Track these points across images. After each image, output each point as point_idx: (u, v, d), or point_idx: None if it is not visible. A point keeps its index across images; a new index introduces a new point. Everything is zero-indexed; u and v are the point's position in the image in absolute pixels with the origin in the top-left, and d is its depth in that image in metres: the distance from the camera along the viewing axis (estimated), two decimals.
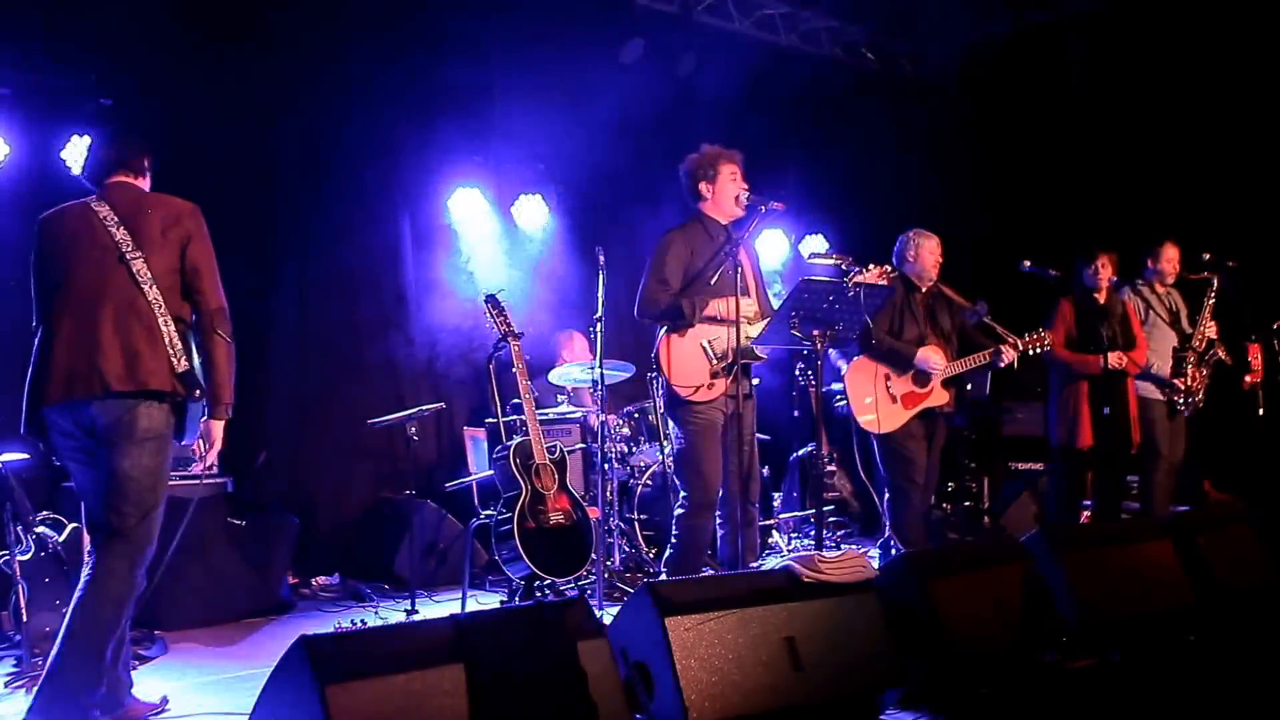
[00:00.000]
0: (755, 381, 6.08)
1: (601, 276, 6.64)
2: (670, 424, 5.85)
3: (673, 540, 5.75)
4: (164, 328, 4.30)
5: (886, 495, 6.72)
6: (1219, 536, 5.68)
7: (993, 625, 4.55)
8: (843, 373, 6.68)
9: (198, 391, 4.35)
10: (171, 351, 4.30)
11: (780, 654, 4.02)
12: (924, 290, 6.78)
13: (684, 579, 4.54)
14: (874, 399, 6.52)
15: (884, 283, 5.53)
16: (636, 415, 7.76)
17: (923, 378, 6.59)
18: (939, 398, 6.62)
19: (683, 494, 5.75)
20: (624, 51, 9.00)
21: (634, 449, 7.75)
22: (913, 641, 4.39)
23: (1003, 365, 6.65)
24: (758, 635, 4.00)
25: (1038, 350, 6.60)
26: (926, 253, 6.79)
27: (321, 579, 7.42)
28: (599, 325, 6.57)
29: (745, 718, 3.86)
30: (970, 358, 6.66)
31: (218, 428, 4.47)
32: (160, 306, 4.32)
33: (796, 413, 8.65)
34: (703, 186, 5.88)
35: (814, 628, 4.13)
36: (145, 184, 4.70)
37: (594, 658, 3.61)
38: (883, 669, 4.26)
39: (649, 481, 7.55)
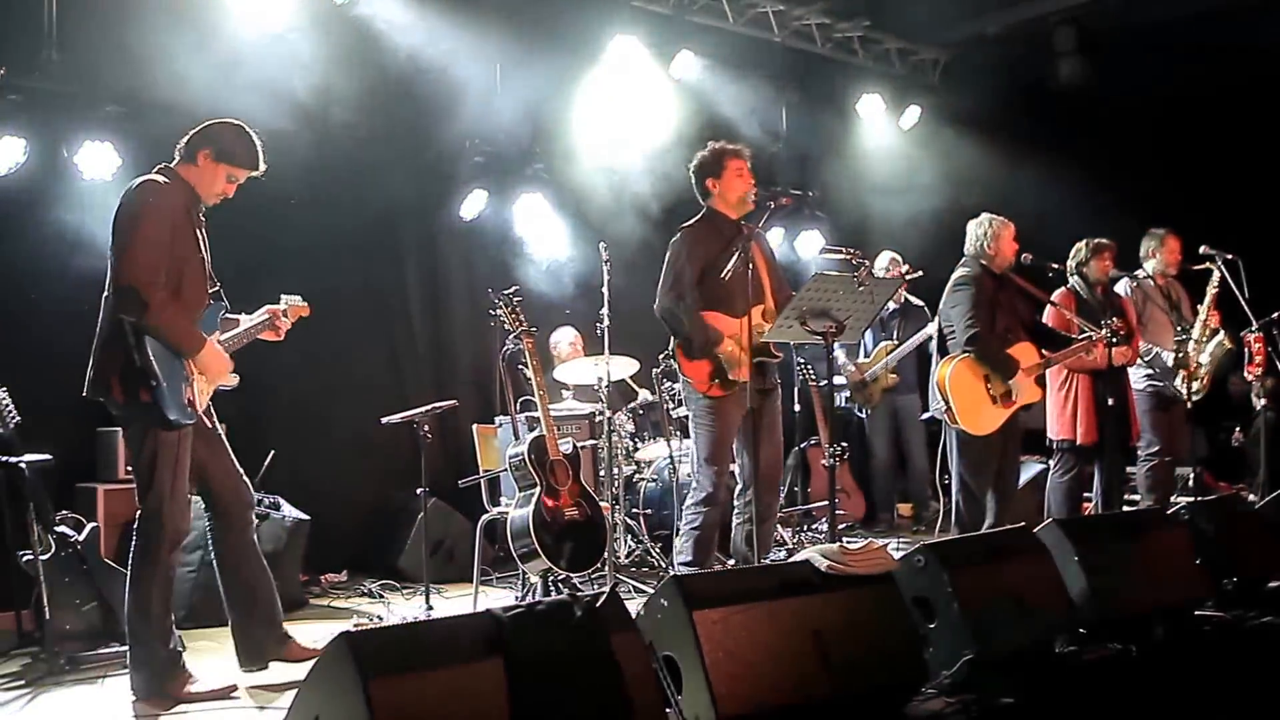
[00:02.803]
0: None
1: (606, 272, 6.68)
2: (689, 419, 5.97)
3: (682, 530, 5.82)
4: None
5: (961, 494, 6.78)
6: (1229, 526, 5.75)
7: (1012, 617, 4.59)
8: (943, 375, 6.62)
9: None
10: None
11: (807, 646, 4.03)
12: (1001, 278, 6.84)
13: (710, 572, 4.58)
14: (978, 401, 6.57)
15: (892, 275, 5.59)
16: (641, 411, 7.80)
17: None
18: (1034, 394, 6.72)
19: (695, 487, 5.82)
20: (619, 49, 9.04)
21: (639, 444, 7.78)
22: (934, 633, 4.44)
23: (1092, 356, 6.80)
24: (784, 628, 4.02)
25: (1119, 338, 6.71)
26: (1006, 241, 6.84)
27: (330, 576, 7.44)
28: (605, 321, 6.63)
29: (773, 711, 3.88)
30: (1066, 351, 6.80)
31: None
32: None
33: (797, 407, 8.70)
34: (709, 183, 6.02)
35: (839, 620, 4.14)
36: (185, 169, 4.81)
37: (628, 650, 3.63)
38: (906, 660, 4.29)
39: (654, 476, 7.60)
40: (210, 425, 4.94)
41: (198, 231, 4.81)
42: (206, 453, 4.87)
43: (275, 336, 5.19)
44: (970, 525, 6.64)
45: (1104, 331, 6.68)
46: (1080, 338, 6.83)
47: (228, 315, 5.05)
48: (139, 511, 4.68)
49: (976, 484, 6.70)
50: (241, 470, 5.05)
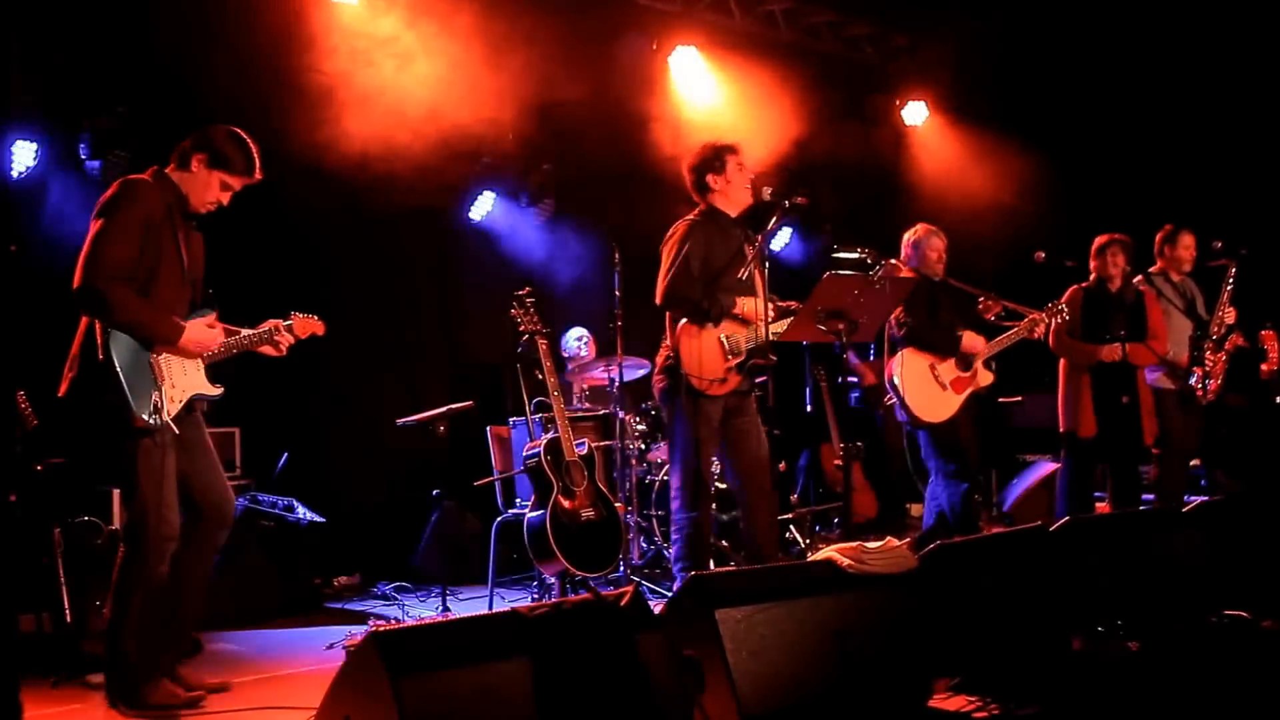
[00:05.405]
0: (760, 378, 6.14)
1: (617, 273, 6.69)
2: (671, 421, 5.90)
3: (673, 536, 5.83)
4: None
5: (936, 482, 6.81)
6: (1243, 525, 5.75)
7: (1029, 615, 4.61)
8: (890, 368, 6.73)
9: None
10: None
11: (828, 644, 4.04)
12: (938, 281, 6.90)
13: (732, 571, 4.59)
14: (928, 390, 6.68)
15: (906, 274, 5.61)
16: (653, 412, 7.80)
17: (965, 361, 6.75)
18: (984, 378, 6.81)
19: (677, 489, 5.83)
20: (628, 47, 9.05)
21: (651, 445, 7.79)
22: (953, 631, 4.45)
23: (1037, 337, 6.91)
24: (805, 626, 4.03)
25: (1058, 319, 6.82)
26: (932, 249, 6.97)
27: (343, 578, 7.44)
28: (617, 322, 6.63)
29: (795, 708, 3.89)
30: (1008, 335, 6.89)
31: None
32: None
33: (809, 407, 8.70)
34: (710, 178, 5.98)
35: (860, 618, 4.16)
36: (179, 174, 4.70)
37: (653, 650, 3.65)
38: (926, 659, 4.30)
39: (665, 477, 7.60)
40: (196, 435, 4.74)
41: (179, 236, 4.64)
42: (187, 462, 4.65)
43: (275, 353, 4.95)
44: (963, 515, 6.67)
45: (1044, 312, 6.79)
46: (1022, 321, 6.90)
47: (223, 324, 4.85)
48: (124, 519, 4.54)
49: (957, 471, 6.75)
50: (228, 486, 4.85)
